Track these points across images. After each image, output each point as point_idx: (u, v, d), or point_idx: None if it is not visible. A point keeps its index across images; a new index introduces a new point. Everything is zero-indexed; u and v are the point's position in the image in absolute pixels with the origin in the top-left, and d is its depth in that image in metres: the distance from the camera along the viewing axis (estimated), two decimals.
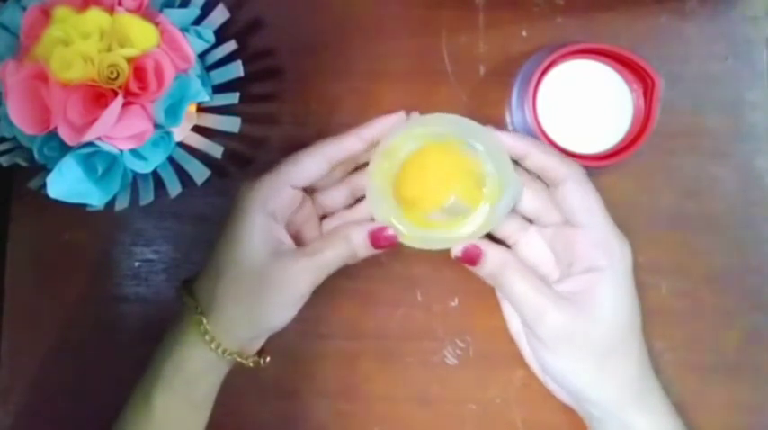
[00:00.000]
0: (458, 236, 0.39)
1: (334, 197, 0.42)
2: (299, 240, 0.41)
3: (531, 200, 0.39)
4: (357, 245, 0.39)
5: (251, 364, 0.39)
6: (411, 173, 0.39)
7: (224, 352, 0.38)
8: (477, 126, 0.39)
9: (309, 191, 0.42)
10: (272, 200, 0.38)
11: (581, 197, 0.38)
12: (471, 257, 0.38)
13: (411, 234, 0.39)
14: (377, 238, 0.39)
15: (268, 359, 0.40)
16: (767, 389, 0.44)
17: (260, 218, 0.38)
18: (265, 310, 0.38)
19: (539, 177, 0.40)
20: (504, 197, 0.38)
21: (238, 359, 0.39)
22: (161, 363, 0.38)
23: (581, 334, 0.37)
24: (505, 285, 0.38)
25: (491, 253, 0.38)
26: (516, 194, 0.39)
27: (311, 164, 0.39)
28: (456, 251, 0.38)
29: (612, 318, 0.37)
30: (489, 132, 0.39)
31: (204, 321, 0.37)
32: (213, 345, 0.37)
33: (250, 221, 0.38)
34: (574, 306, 0.37)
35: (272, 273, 0.38)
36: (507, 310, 0.43)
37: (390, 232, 0.39)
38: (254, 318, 0.38)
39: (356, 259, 0.40)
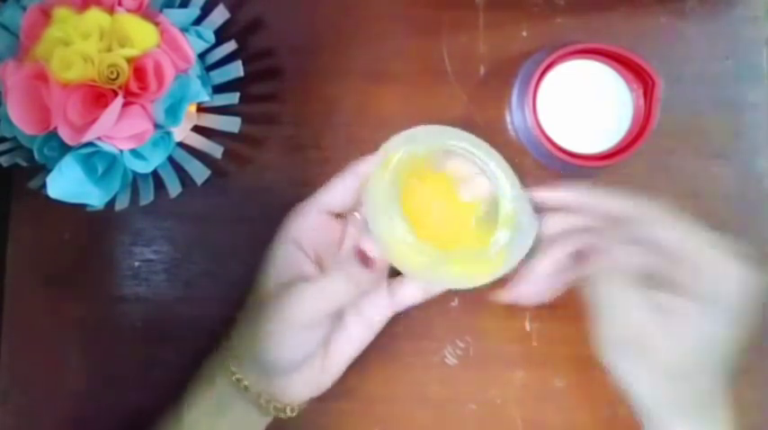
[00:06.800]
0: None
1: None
2: (322, 266, 0.39)
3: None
4: (362, 282, 0.38)
5: (291, 414, 0.38)
6: (421, 219, 0.39)
7: (267, 403, 0.36)
8: (456, 131, 0.39)
9: (342, 215, 0.40)
10: (295, 226, 0.38)
11: (675, 235, 0.35)
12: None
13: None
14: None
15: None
16: (767, 389, 0.44)
17: (282, 247, 0.38)
18: (277, 343, 0.36)
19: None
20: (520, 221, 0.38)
21: (277, 415, 0.37)
22: (202, 404, 0.37)
23: (657, 349, 0.35)
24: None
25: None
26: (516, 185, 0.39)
27: (340, 186, 0.38)
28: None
29: (692, 354, 0.35)
30: (475, 141, 0.40)
31: (246, 384, 0.36)
32: (262, 402, 0.36)
33: (273, 252, 0.38)
34: (662, 318, 0.35)
35: (280, 303, 0.36)
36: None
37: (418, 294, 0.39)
38: (273, 354, 0.36)
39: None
